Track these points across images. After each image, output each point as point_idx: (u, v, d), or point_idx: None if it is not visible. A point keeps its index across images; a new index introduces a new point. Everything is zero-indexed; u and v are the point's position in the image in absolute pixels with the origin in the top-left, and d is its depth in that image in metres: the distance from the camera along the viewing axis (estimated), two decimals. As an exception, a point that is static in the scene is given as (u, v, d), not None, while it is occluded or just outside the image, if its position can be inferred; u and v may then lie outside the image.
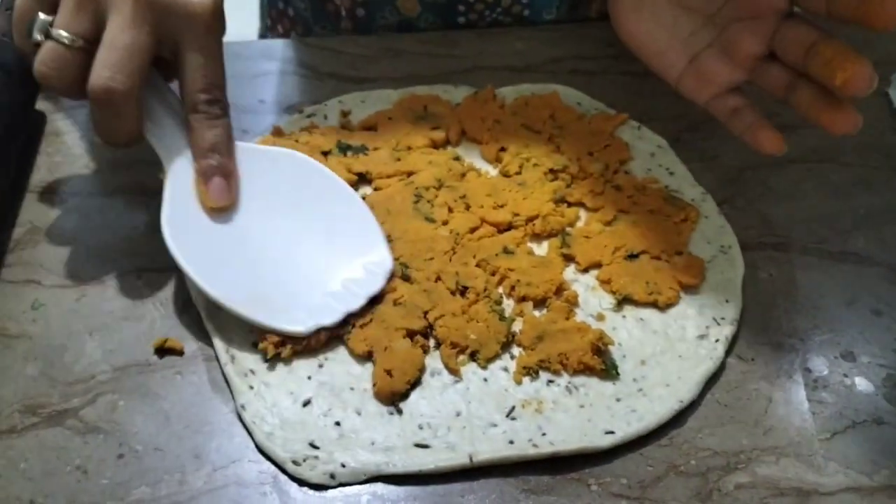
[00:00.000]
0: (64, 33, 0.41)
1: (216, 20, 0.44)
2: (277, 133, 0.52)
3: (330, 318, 0.42)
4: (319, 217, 0.46)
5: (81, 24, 0.41)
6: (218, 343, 0.42)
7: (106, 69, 0.41)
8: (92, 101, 0.41)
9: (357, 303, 0.43)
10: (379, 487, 0.38)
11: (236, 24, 0.50)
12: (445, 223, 0.47)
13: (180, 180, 0.45)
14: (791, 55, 0.43)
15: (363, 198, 0.48)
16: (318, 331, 0.42)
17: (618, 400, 0.40)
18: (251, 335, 0.42)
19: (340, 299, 0.43)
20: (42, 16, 0.42)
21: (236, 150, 0.46)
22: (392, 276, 0.44)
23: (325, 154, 0.51)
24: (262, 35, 0.78)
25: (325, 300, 0.43)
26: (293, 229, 0.45)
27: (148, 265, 0.47)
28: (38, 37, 0.42)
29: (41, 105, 0.55)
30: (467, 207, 0.48)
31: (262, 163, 0.46)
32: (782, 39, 0.44)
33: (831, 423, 0.40)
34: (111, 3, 0.41)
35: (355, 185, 0.49)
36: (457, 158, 0.51)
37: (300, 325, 0.42)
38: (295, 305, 0.42)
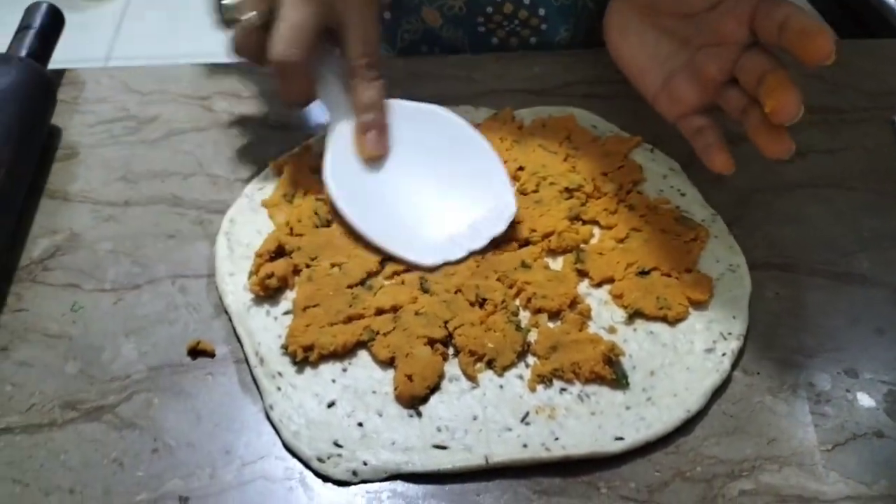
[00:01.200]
0: (250, 14, 0.49)
1: None
2: (307, 149, 0.55)
3: (455, 254, 0.48)
4: (455, 164, 0.52)
5: (260, 4, 0.49)
6: (248, 346, 0.45)
7: (282, 43, 0.48)
8: (272, 70, 0.49)
9: (480, 242, 0.49)
10: (399, 485, 0.40)
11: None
12: None
13: (341, 135, 0.52)
14: (747, 81, 0.46)
15: None
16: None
17: (627, 408, 0.42)
18: (279, 339, 0.45)
19: (466, 239, 0.49)
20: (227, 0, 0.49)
21: (389, 106, 0.52)
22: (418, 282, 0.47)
23: None
24: None
25: (453, 239, 0.49)
26: (431, 175, 0.52)
27: (181, 272, 0.49)
28: (230, 17, 0.50)
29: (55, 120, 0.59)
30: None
31: (409, 117, 0.53)
32: (742, 67, 0.47)
33: (833, 435, 0.42)
34: None
35: None
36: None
37: (429, 259, 0.48)
38: (425, 242, 0.49)
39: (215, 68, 0.63)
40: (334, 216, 0.50)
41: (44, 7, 0.60)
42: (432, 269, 0.48)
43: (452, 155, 0.52)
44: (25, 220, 0.52)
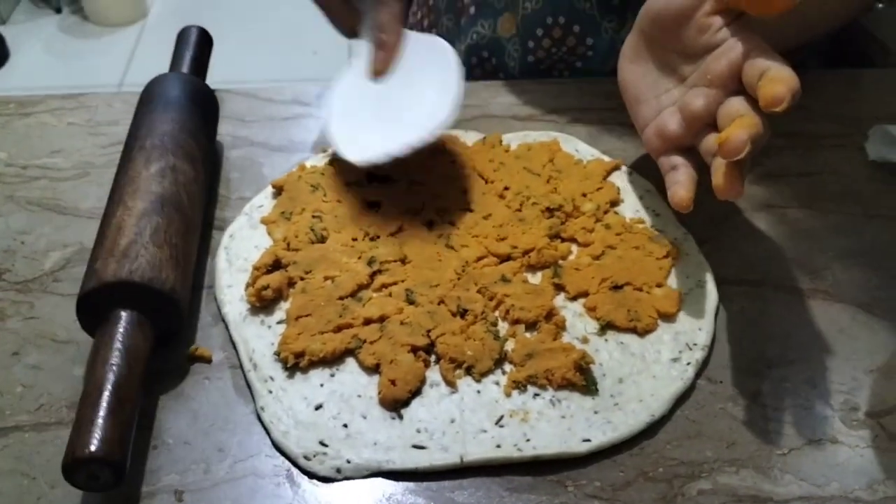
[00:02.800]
0: None
1: None
2: (302, 168, 0.59)
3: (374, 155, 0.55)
4: (423, 89, 0.57)
5: None
6: (242, 352, 0.48)
7: None
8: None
9: (396, 147, 0.54)
10: (379, 482, 0.42)
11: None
12: (464, 246, 0.53)
13: (358, 65, 0.61)
14: (722, 123, 0.47)
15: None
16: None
17: (595, 412, 0.45)
18: (272, 347, 0.48)
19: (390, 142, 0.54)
20: None
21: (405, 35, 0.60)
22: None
23: (349, 184, 0.57)
24: None
25: (378, 143, 0.55)
26: (395, 90, 0.59)
27: (183, 283, 0.52)
28: None
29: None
30: (474, 237, 0.54)
31: (411, 44, 0.60)
32: (722, 108, 0.48)
33: (789, 440, 0.44)
34: None
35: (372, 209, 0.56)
36: (465, 191, 0.57)
37: (355, 156, 0.55)
38: (362, 140, 0.56)
39: (221, 93, 0.67)
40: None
41: (194, 30, 0.65)
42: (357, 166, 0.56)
43: (427, 79, 0.57)
44: (38, 235, 0.56)
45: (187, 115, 0.56)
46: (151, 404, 0.46)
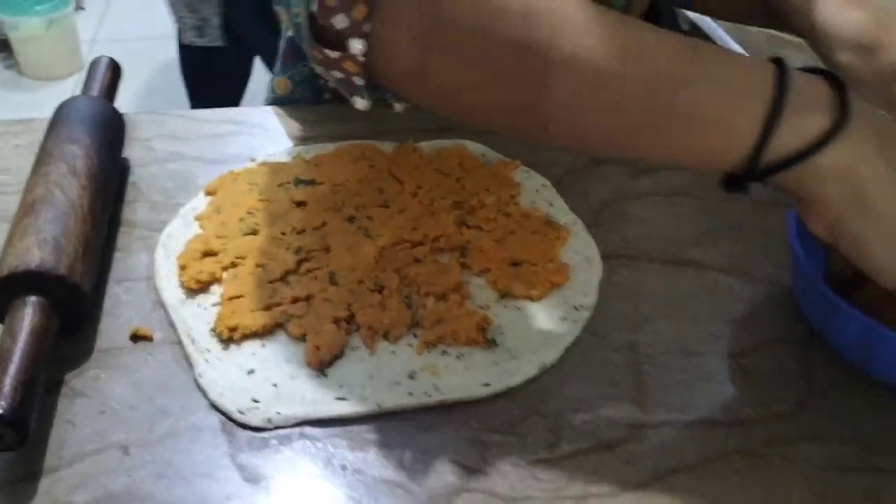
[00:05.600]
0: None
1: None
2: (236, 175, 0.65)
3: None
4: None
5: None
6: (181, 329, 0.53)
7: None
8: None
9: None
10: (306, 429, 0.48)
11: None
12: (381, 235, 0.60)
13: None
14: None
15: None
16: None
17: (495, 363, 0.51)
18: (208, 325, 0.53)
19: None
20: None
21: None
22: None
23: (279, 186, 0.63)
24: None
25: None
26: None
27: (126, 277, 0.58)
28: None
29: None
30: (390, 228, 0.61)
31: None
32: None
33: (660, 380, 0.52)
34: None
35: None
36: (381, 190, 0.64)
37: None
38: None
39: (159, 115, 0.73)
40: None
41: (104, 59, 0.72)
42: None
43: None
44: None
45: (68, 127, 0.62)
46: (97, 377, 0.51)
